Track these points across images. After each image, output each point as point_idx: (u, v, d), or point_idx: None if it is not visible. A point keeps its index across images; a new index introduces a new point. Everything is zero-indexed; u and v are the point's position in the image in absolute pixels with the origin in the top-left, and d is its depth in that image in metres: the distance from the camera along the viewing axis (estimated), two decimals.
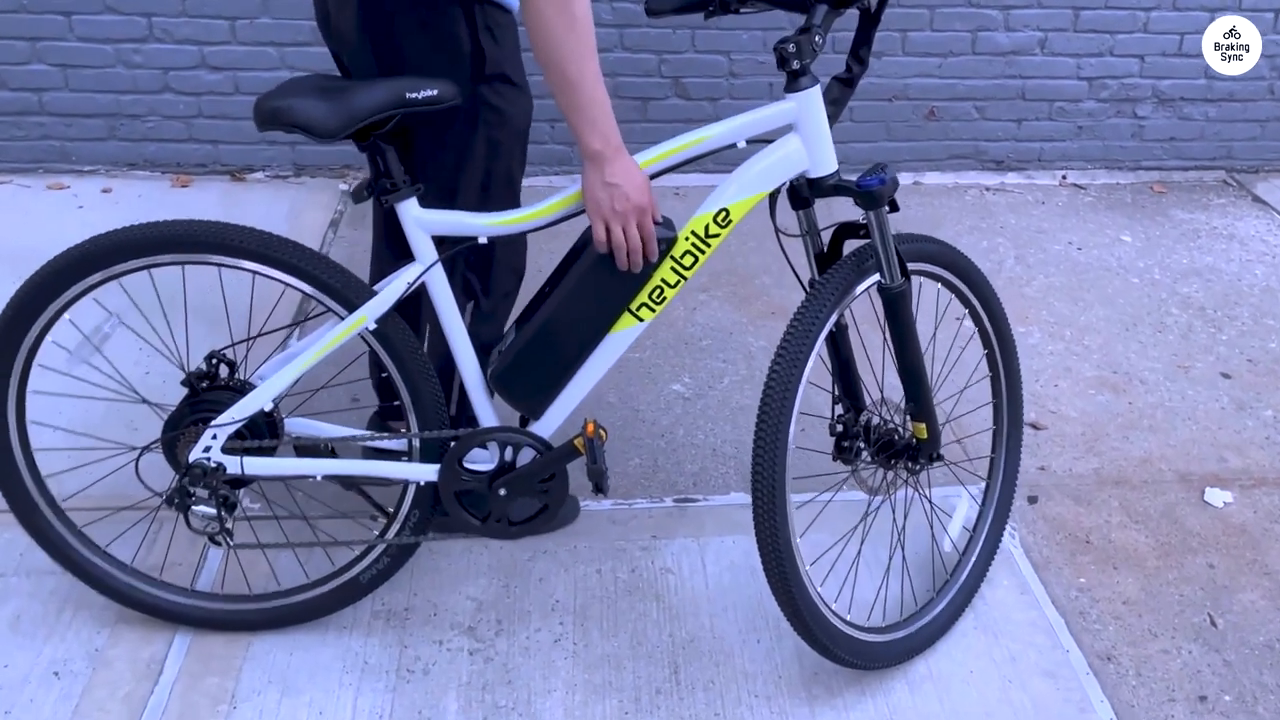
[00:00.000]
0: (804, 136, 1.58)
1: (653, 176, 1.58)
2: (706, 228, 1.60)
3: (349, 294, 1.61)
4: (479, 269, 1.76)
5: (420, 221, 1.59)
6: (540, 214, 1.60)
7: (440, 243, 1.61)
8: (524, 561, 2.01)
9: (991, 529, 1.98)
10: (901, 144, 3.71)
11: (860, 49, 1.64)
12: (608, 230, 1.54)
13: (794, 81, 1.56)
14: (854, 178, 1.62)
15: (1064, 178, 3.81)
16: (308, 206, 3.31)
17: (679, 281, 1.63)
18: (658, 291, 1.63)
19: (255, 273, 1.60)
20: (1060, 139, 3.78)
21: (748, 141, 1.60)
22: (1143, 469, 2.35)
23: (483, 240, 1.61)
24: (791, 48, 1.52)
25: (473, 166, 1.68)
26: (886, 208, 1.60)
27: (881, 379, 2.01)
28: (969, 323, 1.90)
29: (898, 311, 1.67)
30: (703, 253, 1.62)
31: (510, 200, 1.77)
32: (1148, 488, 2.29)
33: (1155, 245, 3.36)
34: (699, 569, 2.02)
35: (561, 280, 1.63)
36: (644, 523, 2.13)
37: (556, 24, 1.42)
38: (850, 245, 1.71)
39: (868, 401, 1.79)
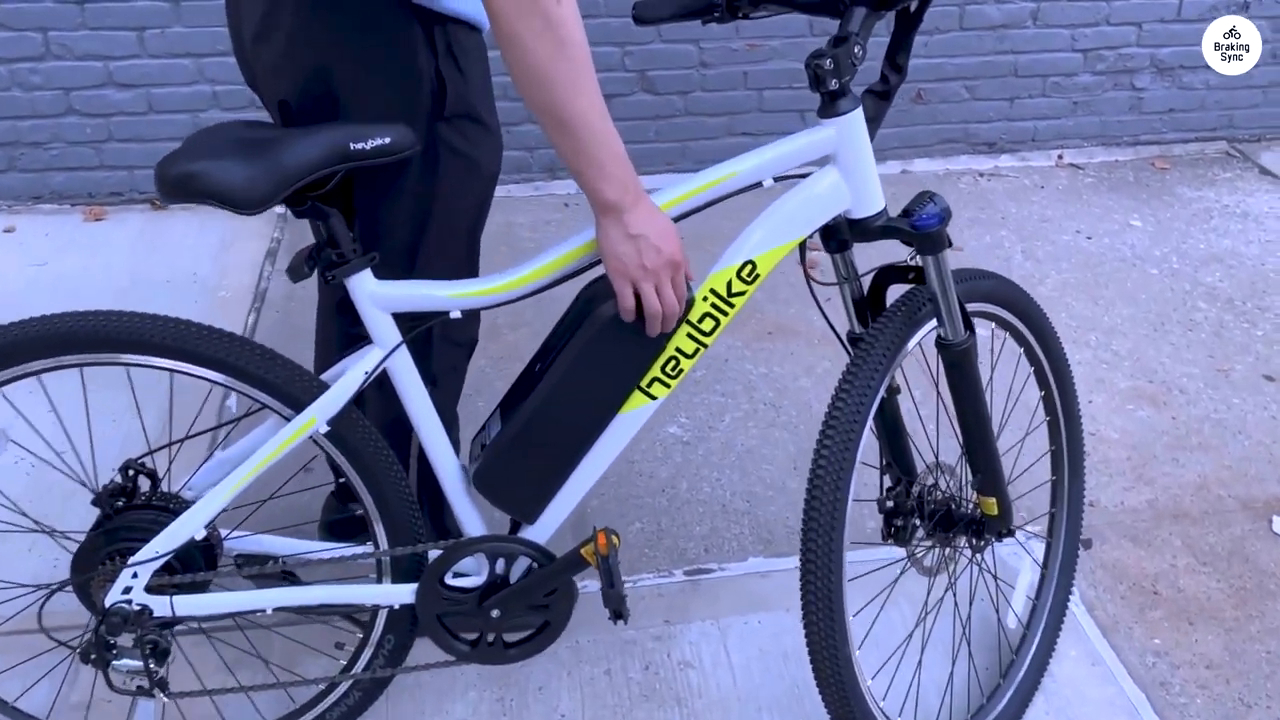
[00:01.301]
0: (845, 170, 1.29)
1: (672, 220, 1.28)
2: (729, 285, 1.31)
3: (294, 390, 1.30)
4: (412, 343, 1.44)
5: (377, 298, 1.27)
6: (532, 277, 1.29)
7: (402, 319, 1.30)
8: (518, 667, 1.72)
9: (1057, 595, 1.72)
10: (886, 130, 3.43)
11: (898, 55, 1.35)
12: (636, 292, 1.24)
13: (832, 104, 1.26)
14: (901, 214, 1.34)
15: (1060, 157, 3.56)
16: (241, 236, 2.96)
17: (697, 350, 1.34)
18: (673, 363, 1.34)
19: (174, 371, 1.28)
20: (1055, 116, 3.53)
21: (775, 179, 1.30)
22: (1201, 497, 2.11)
23: (456, 315, 1.31)
24: (828, 63, 1.22)
25: (434, 225, 1.36)
26: (947, 250, 1.32)
27: (936, 440, 1.73)
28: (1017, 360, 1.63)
29: (964, 371, 1.39)
30: (725, 314, 1.33)
31: (474, 262, 1.46)
32: (1210, 520, 2.05)
33: (1168, 230, 3.12)
34: (722, 659, 1.74)
35: (557, 355, 1.33)
36: (654, 604, 1.85)
37: (539, 51, 1.10)
38: (894, 287, 1.43)
39: (921, 468, 1.52)
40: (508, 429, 1.35)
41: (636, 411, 1.36)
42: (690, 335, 1.33)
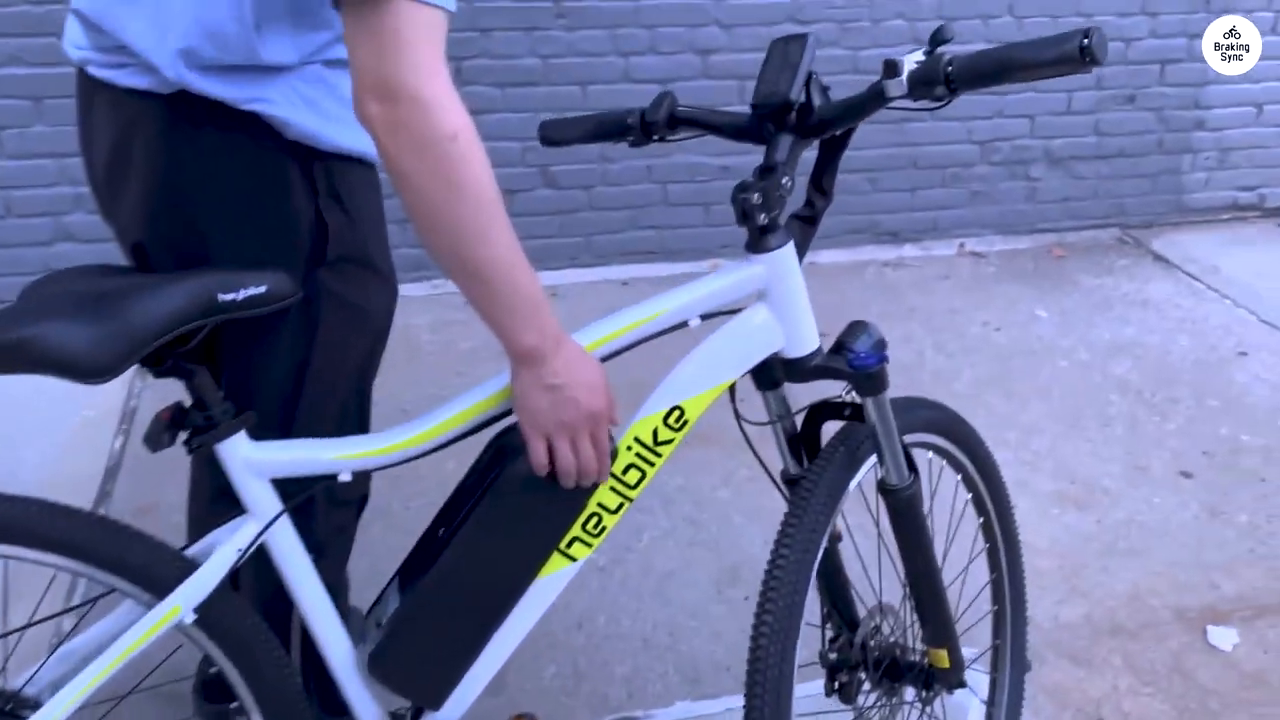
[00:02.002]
0: (776, 308, 1.18)
1: None
2: (655, 433, 1.18)
3: (154, 573, 1.11)
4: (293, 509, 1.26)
5: (253, 463, 1.11)
6: (436, 431, 1.14)
7: (283, 483, 1.13)
8: None
9: None
10: None
11: (824, 178, 1.26)
12: (551, 447, 1.10)
13: (761, 240, 1.16)
14: (834, 348, 1.24)
15: (962, 246, 3.57)
16: None
17: (621, 505, 1.20)
18: (595, 520, 1.20)
19: (6, 557, 1.09)
20: (955, 206, 3.55)
21: (702, 317, 1.18)
22: (1135, 609, 2.04)
23: (346, 478, 1.14)
24: (756, 197, 1.12)
25: (314, 381, 1.20)
26: (887, 391, 1.22)
27: (879, 581, 1.61)
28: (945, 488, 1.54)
29: (910, 517, 1.29)
30: (651, 465, 1.19)
31: (365, 416, 1.30)
32: (1147, 634, 1.98)
33: (1072, 320, 3.13)
34: None
35: (464, 518, 1.17)
36: None
37: (434, 194, 0.96)
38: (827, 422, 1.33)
39: (862, 612, 1.40)
40: (407, 605, 1.18)
41: (555, 575, 1.21)
42: (614, 489, 1.19)
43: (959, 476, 1.52)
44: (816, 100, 1.16)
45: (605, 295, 3.20)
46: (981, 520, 1.58)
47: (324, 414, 1.22)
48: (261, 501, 1.12)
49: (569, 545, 1.20)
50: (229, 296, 1.03)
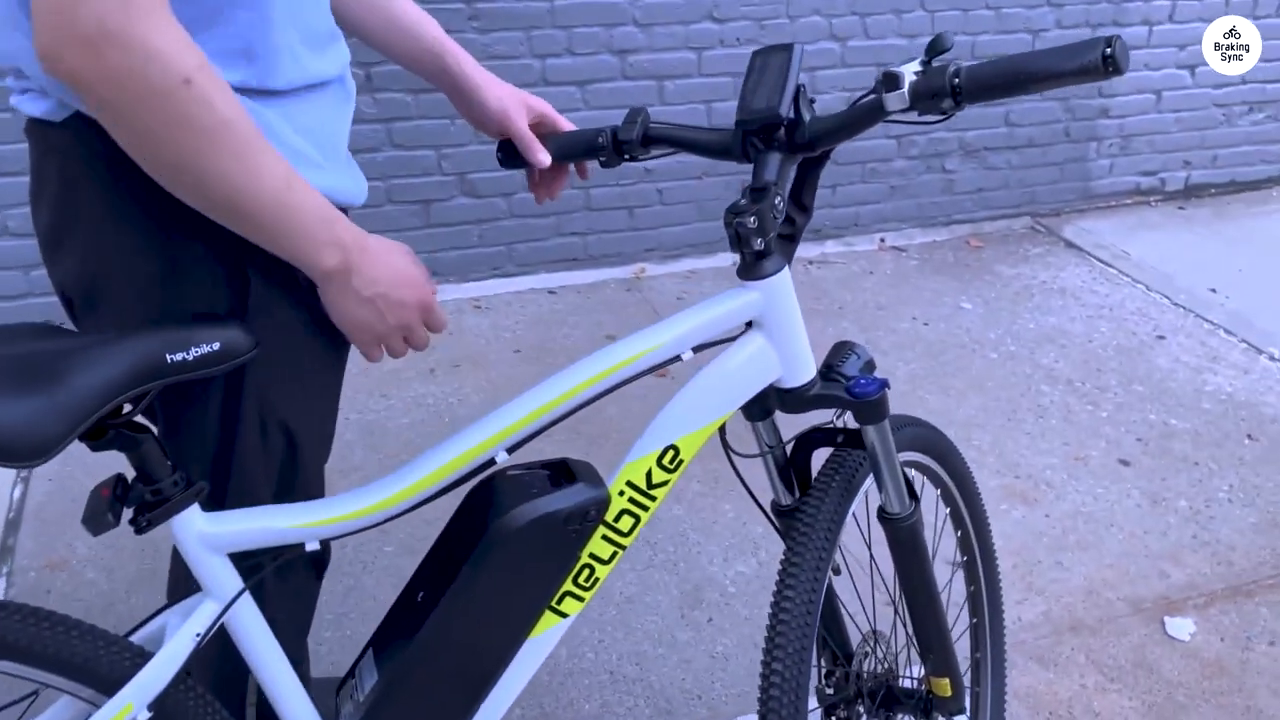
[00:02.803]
0: (772, 336, 1.11)
1: (582, 405, 1.07)
2: (649, 475, 1.10)
3: (99, 668, 0.98)
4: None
5: (209, 538, 0.99)
6: (408, 492, 1.04)
7: (244, 557, 1.02)
8: None
9: None
10: (716, 223, 3.35)
11: (804, 194, 1.20)
12: (387, 348, 1.05)
13: (756, 265, 1.09)
14: (824, 372, 1.17)
15: (883, 241, 3.58)
16: None
17: (615, 554, 1.12)
18: (587, 572, 1.11)
19: None
20: (875, 201, 3.55)
21: (695, 349, 1.10)
22: (1092, 604, 2.05)
23: (313, 546, 1.03)
24: (751, 221, 1.05)
25: (269, 435, 1.08)
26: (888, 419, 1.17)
27: (873, 607, 1.56)
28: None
29: (913, 546, 1.24)
30: (646, 509, 1.11)
31: (320, 477, 1.19)
32: (1107, 630, 1.99)
33: (996, 311, 3.16)
34: None
35: (448, 580, 1.07)
36: None
37: (178, 146, 0.83)
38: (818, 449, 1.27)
39: (855, 639, 1.35)
40: (388, 678, 1.08)
41: (547, 634, 1.12)
42: (606, 538, 1.11)
43: (938, 491, 1.49)
44: (806, 115, 1.09)
45: (531, 305, 3.09)
46: (960, 534, 1.54)
47: (277, 475, 1.10)
48: (220, 579, 1.01)
49: (560, 601, 1.11)
50: (179, 356, 0.91)
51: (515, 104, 1.23)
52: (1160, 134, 3.80)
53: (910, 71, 1.02)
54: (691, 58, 3.09)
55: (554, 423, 1.07)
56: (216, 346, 0.92)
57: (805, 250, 3.48)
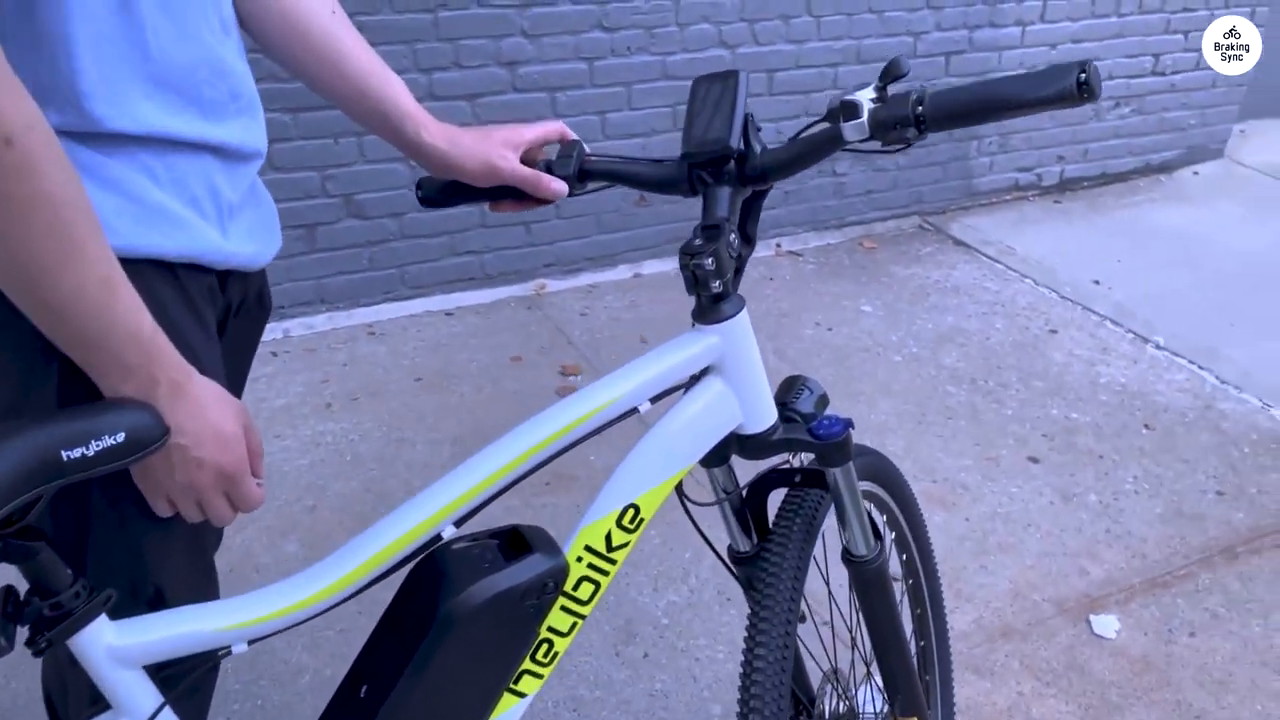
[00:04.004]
0: (732, 381, 1.05)
1: (530, 471, 0.98)
2: (609, 538, 1.02)
3: None
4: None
5: (120, 651, 0.87)
6: (346, 581, 0.94)
7: (161, 670, 0.90)
8: None
9: None
10: (615, 235, 3.28)
11: (749, 225, 1.14)
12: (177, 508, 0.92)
13: (714, 309, 1.02)
14: (782, 412, 1.12)
15: (779, 246, 3.58)
16: None
17: (574, 625, 1.04)
18: (545, 647, 1.03)
19: None
20: (769, 206, 3.53)
21: (652, 400, 1.03)
22: (1020, 607, 2.06)
23: (241, 649, 0.92)
24: (709, 263, 0.98)
25: (177, 524, 0.95)
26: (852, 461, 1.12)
27: (833, 647, 1.50)
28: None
29: (879, 586, 1.19)
30: (606, 575, 1.04)
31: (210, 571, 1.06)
32: (1036, 633, 2.01)
33: (895, 313, 3.19)
34: None
35: (396, 671, 0.97)
36: None
37: None
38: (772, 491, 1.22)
39: (815, 682, 1.31)
40: None
41: (507, 715, 1.03)
42: (565, 609, 1.03)
43: (884, 518, 1.45)
44: (756, 146, 1.04)
45: (429, 328, 2.96)
46: (904, 557, 1.52)
47: (188, 569, 0.97)
48: (135, 696, 0.89)
49: (518, 681, 1.03)
50: (76, 453, 0.79)
51: (497, 153, 1.11)
52: (1036, 130, 3.91)
53: (867, 99, 0.98)
54: (583, 68, 3.02)
55: (506, 489, 0.99)
56: (121, 438, 0.80)
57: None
